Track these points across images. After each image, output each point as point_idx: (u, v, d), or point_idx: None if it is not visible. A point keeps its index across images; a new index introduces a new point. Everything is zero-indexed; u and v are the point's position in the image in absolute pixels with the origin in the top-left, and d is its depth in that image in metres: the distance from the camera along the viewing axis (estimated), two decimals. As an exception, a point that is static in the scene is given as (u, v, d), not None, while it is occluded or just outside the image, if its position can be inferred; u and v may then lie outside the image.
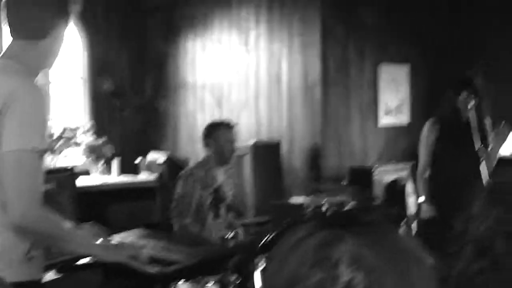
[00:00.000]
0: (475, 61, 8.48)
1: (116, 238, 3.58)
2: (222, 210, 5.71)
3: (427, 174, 5.75)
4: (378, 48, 8.54)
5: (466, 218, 1.32)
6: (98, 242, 3.12)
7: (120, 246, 3.15)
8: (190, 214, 5.62)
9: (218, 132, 5.72)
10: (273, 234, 3.69)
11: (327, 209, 5.06)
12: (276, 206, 6.97)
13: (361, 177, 7.62)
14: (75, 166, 7.22)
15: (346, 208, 5.09)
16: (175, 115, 9.92)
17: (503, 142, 5.54)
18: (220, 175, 5.79)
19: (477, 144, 5.30)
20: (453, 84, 5.73)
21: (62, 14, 2.81)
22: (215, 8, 9.45)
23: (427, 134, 5.79)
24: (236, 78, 9.00)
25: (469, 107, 5.42)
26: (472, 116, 5.39)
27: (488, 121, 5.66)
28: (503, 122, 5.52)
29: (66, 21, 2.84)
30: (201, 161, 5.84)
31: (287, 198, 7.40)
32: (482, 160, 5.19)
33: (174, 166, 7.18)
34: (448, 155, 5.65)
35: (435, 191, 5.68)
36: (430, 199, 5.63)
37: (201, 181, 5.55)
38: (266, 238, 3.64)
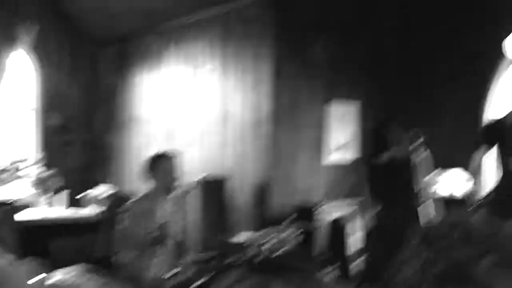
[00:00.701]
0: (423, 101, 8.60)
1: (58, 274, 3.54)
2: (168, 245, 5.68)
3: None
4: (328, 86, 8.59)
5: (399, 261, 1.34)
6: (35, 280, 3.09)
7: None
8: (135, 249, 5.58)
9: (159, 164, 5.74)
10: (207, 277, 3.70)
11: (257, 255, 5.06)
12: (223, 242, 6.96)
13: (309, 213, 7.65)
14: (18, 199, 7.14)
15: (276, 253, 5.10)
16: (124, 150, 9.89)
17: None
18: (165, 209, 5.77)
19: (418, 186, 5.36)
20: (389, 131, 5.79)
21: (3, 46, 2.76)
22: (169, 42, 9.49)
23: (369, 177, 5.85)
24: (186, 113, 9.01)
25: (411, 149, 5.49)
26: (414, 159, 5.45)
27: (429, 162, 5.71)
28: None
29: (7, 52, 2.79)
30: (145, 194, 5.82)
31: (234, 234, 7.39)
32: (423, 202, 5.25)
33: (120, 200, 7.14)
34: (386, 197, 5.72)
35: (377, 230, 5.73)
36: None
37: (144, 215, 5.52)
38: (200, 281, 3.64)
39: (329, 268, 4.73)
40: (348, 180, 8.71)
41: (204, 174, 8.35)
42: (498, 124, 6.06)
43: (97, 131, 10.13)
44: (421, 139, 5.52)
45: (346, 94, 8.78)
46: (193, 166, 8.73)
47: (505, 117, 5.96)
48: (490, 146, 5.97)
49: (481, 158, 6.08)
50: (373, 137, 5.85)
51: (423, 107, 8.47)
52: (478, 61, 8.16)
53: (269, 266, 1.08)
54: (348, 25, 8.75)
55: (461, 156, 7.94)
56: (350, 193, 8.48)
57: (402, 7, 9.06)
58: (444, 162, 7.82)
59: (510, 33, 7.43)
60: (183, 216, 6.18)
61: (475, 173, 6.13)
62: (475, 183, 6.14)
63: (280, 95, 8.08)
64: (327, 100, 8.57)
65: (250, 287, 1.02)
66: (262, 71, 8.10)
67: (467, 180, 7.82)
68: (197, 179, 7.99)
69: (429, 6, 8.76)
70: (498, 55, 7.81)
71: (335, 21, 8.60)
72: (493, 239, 1.21)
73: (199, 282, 3.81)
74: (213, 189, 8.01)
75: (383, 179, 5.71)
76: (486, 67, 8.13)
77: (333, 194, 8.49)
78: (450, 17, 8.55)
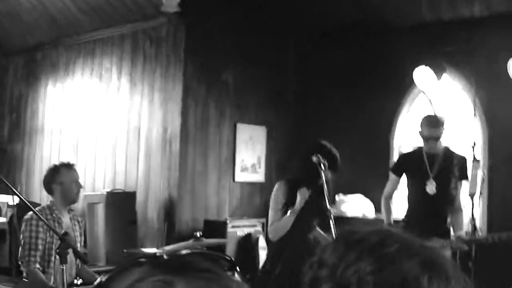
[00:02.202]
0: (328, 127, 8.79)
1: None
2: (70, 256, 5.60)
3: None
4: (237, 108, 8.73)
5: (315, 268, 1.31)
6: None
7: None
8: (38, 259, 5.49)
9: (60, 174, 5.61)
10: (107, 277, 3.66)
11: (162, 254, 5.04)
12: (128, 255, 6.93)
13: (216, 230, 7.70)
14: None
15: (182, 253, 5.09)
16: (30, 159, 9.75)
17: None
18: (67, 219, 5.68)
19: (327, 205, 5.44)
20: (305, 148, 5.90)
21: None
22: (78, 55, 9.45)
23: (276, 194, 5.87)
24: (95, 126, 8.96)
25: (321, 170, 5.57)
26: (323, 178, 5.53)
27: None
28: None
29: None
30: (46, 205, 5.72)
31: (140, 247, 7.38)
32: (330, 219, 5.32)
33: (24, 209, 7.02)
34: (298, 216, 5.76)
35: (284, 248, 5.76)
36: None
37: (45, 226, 5.43)
38: (100, 280, 3.63)
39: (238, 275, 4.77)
40: (256, 199, 8.83)
41: (112, 187, 8.32)
42: (410, 155, 6.34)
43: (3, 138, 9.97)
44: (325, 163, 5.61)
45: (254, 118, 8.91)
46: (102, 178, 8.69)
47: (416, 149, 6.24)
48: (400, 174, 6.25)
49: (394, 185, 6.33)
50: (294, 161, 5.93)
51: (328, 134, 8.62)
52: (387, 89, 8.43)
53: (172, 265, 1.07)
54: (254, 52, 8.92)
55: (363, 182, 8.21)
56: (255, 212, 8.60)
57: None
58: (347, 187, 8.05)
59: (419, 64, 7.72)
60: (85, 229, 6.10)
61: (387, 199, 6.35)
62: (387, 208, 6.34)
63: (189, 113, 8.14)
64: (235, 121, 8.68)
65: (155, 285, 1.01)
66: (172, 89, 8.16)
67: (371, 205, 8.08)
68: (104, 192, 7.95)
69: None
70: (407, 84, 8.11)
71: (242, 47, 8.74)
72: (427, 251, 1.26)
73: (97, 280, 3.79)
74: (120, 202, 7.97)
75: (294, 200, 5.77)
76: (395, 96, 8.41)
77: (242, 212, 8.59)
78: (362, 49, 8.81)
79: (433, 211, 6.08)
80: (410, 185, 6.28)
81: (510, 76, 7.30)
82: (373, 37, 8.67)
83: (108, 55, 9.05)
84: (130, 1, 8.42)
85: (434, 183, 6.05)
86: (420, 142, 6.31)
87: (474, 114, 7.60)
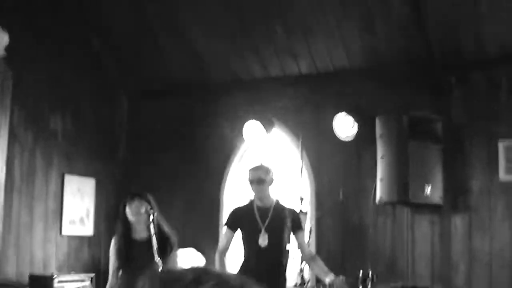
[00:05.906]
0: (159, 181, 8.77)
1: None
2: None
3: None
4: (66, 158, 8.52)
5: None
6: None
7: None
8: None
9: None
10: None
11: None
12: None
13: (42, 285, 7.44)
14: None
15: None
16: None
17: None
18: None
19: (156, 257, 5.42)
20: (124, 198, 5.89)
21: None
22: None
23: (111, 252, 5.83)
24: None
25: (149, 220, 5.57)
26: (151, 229, 5.53)
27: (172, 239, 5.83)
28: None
29: None
30: None
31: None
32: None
33: None
34: (126, 270, 5.72)
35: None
36: None
37: None
38: None
39: None
40: (84, 253, 8.61)
41: None
42: (242, 209, 6.44)
43: None
44: (154, 217, 5.62)
45: (83, 168, 8.75)
46: None
47: (248, 203, 6.37)
48: (234, 228, 6.34)
49: (228, 239, 6.39)
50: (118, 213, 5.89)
51: (158, 188, 8.60)
52: (217, 144, 8.56)
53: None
54: (84, 102, 8.83)
55: (194, 236, 8.24)
56: (84, 267, 8.38)
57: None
58: (179, 241, 8.03)
59: (249, 119, 7.92)
60: None
61: (222, 254, 6.40)
62: (221, 263, 6.37)
63: (14, 163, 7.85)
64: (63, 172, 8.48)
65: None
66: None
67: (202, 258, 8.11)
68: None
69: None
70: (237, 139, 8.28)
71: (72, 96, 8.63)
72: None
73: None
74: None
75: (124, 256, 5.72)
76: (225, 151, 8.56)
77: (69, 266, 8.34)
78: (195, 104, 8.92)
79: (266, 262, 6.18)
80: (243, 238, 6.38)
81: (335, 133, 7.60)
82: (205, 93, 8.82)
83: None
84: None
85: (266, 235, 6.17)
86: (251, 196, 6.44)
87: (301, 168, 7.83)
